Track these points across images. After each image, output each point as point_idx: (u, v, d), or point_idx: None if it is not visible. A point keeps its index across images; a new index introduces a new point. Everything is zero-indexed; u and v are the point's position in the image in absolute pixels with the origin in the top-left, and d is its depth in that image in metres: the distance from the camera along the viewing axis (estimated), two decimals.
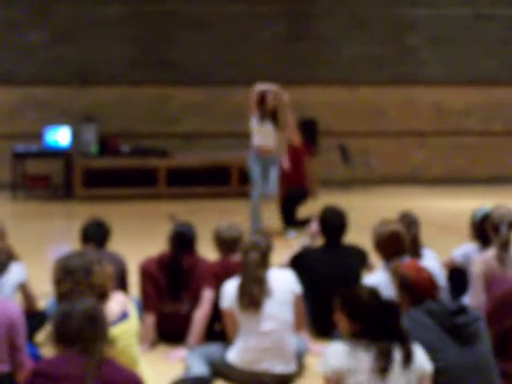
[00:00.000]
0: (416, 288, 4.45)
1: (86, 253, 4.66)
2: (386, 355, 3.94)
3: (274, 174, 10.38)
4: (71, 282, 4.33)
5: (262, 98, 10.23)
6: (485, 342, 4.41)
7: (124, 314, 4.51)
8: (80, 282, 4.32)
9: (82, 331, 3.64)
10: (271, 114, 10.25)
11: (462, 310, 4.39)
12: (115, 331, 4.18)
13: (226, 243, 6.10)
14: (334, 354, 4.03)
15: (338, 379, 3.97)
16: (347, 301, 4.12)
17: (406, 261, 5.25)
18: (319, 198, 12.83)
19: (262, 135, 10.25)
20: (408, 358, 3.97)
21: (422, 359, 4.08)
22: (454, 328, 4.32)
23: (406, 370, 3.97)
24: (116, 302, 4.52)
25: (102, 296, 4.39)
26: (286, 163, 10.77)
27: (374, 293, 4.11)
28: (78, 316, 3.66)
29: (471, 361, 4.30)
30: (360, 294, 4.09)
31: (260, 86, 10.31)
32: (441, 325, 4.32)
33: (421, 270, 4.56)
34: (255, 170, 10.32)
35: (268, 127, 10.24)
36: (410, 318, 4.33)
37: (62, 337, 3.69)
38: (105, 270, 4.48)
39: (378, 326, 4.00)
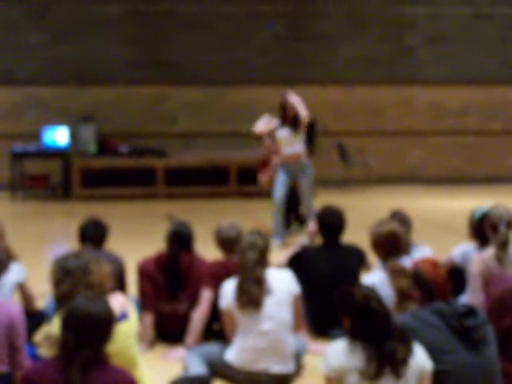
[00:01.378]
0: (431, 285, 4.34)
1: (83, 253, 4.65)
2: (377, 361, 3.89)
3: (305, 187, 10.14)
4: (70, 282, 4.33)
5: (283, 105, 10.00)
6: (492, 347, 4.31)
7: (123, 315, 4.50)
8: (78, 282, 4.32)
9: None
10: (291, 120, 9.99)
11: (472, 312, 4.28)
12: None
13: (225, 243, 6.12)
14: (334, 352, 4.01)
15: (339, 378, 3.94)
16: (341, 295, 4.10)
17: (417, 258, 5.15)
18: (317, 197, 12.80)
19: (287, 143, 10.00)
20: (403, 363, 3.91)
21: (421, 358, 4.03)
22: (462, 330, 4.22)
23: (402, 373, 3.91)
24: (115, 303, 4.51)
25: None
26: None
27: (368, 297, 4.03)
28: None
29: (478, 365, 4.21)
30: (354, 294, 4.05)
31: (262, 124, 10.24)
32: (449, 326, 4.22)
33: (438, 267, 4.44)
34: (280, 181, 10.04)
35: (289, 133, 9.98)
36: (416, 317, 4.26)
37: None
38: (102, 269, 4.48)
39: (367, 328, 3.96)
